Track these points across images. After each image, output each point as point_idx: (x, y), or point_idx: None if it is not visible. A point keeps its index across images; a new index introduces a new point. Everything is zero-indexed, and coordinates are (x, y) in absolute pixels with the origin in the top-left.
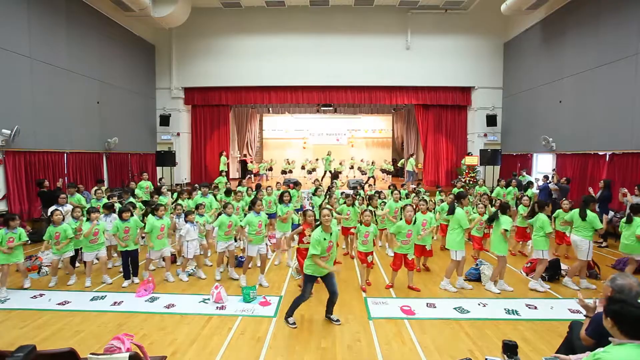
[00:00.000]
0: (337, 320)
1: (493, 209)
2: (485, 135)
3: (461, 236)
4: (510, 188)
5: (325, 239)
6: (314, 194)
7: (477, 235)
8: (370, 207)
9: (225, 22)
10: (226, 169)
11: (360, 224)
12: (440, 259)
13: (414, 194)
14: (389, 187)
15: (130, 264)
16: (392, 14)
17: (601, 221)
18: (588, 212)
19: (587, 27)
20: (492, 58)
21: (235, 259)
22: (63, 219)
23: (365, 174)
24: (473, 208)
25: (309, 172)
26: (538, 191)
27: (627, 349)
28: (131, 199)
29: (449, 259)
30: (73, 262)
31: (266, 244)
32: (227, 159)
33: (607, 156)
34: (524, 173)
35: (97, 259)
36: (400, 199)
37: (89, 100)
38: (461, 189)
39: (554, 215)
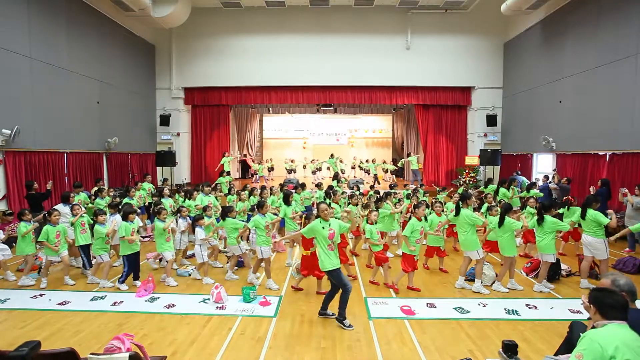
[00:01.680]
0: (333, 314)
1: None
2: (485, 135)
3: (475, 235)
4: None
5: (324, 227)
6: (325, 197)
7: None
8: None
9: (225, 22)
10: (229, 169)
11: (366, 222)
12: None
13: (410, 193)
14: (390, 187)
15: (133, 266)
16: (392, 14)
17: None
18: (589, 210)
19: (587, 27)
20: (492, 58)
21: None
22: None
23: (369, 172)
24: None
25: (313, 173)
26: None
27: (608, 327)
28: (128, 200)
29: (457, 259)
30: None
31: None
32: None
33: (607, 156)
34: (518, 174)
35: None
36: (400, 201)
37: (89, 100)
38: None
39: (559, 211)
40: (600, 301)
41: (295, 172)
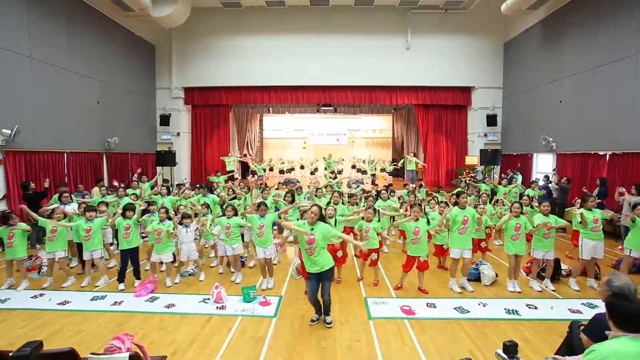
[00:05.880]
0: (329, 323)
1: (489, 207)
2: (485, 135)
3: (454, 233)
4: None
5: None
6: (315, 195)
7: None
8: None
9: (225, 22)
10: (233, 169)
11: (362, 220)
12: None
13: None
14: (385, 187)
15: (131, 263)
16: (392, 14)
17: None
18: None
19: (587, 27)
20: (492, 58)
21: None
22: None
23: (366, 173)
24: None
25: (312, 173)
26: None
27: (620, 341)
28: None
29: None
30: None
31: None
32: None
33: (607, 156)
34: (517, 172)
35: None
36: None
37: (89, 100)
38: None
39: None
40: (613, 308)
41: (290, 173)
